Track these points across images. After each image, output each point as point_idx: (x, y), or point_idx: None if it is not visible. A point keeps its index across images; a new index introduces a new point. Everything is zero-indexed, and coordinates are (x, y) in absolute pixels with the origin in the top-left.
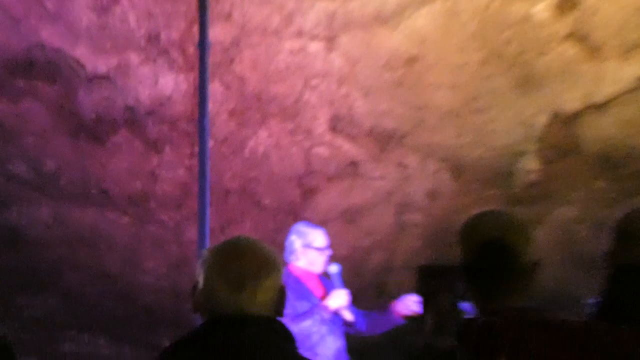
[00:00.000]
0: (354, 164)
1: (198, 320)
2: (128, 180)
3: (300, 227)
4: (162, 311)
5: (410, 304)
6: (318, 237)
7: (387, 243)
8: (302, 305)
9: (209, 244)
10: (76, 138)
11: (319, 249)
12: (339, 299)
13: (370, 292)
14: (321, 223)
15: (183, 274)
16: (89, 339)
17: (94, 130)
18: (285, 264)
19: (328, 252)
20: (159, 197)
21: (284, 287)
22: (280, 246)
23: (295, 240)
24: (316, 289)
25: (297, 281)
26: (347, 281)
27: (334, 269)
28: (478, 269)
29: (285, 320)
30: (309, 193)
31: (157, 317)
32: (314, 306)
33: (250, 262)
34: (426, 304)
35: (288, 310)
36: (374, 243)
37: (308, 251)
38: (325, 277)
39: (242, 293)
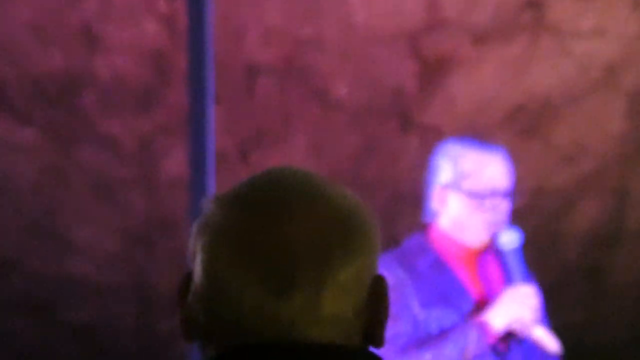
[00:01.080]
0: (534, 5)
1: (195, 355)
2: (30, 44)
3: (454, 147)
4: (111, 336)
5: None
6: (490, 168)
7: (612, 177)
8: (440, 316)
9: (214, 186)
10: None
11: (487, 196)
12: (520, 307)
13: (576, 285)
14: (464, 136)
15: (157, 257)
16: None
17: None
18: (421, 225)
19: (507, 203)
20: (103, 82)
21: (383, 282)
22: (369, 188)
23: (443, 173)
24: (475, 280)
25: (438, 263)
26: (530, 263)
27: (510, 238)
28: None
29: (390, 352)
30: (434, 69)
31: (100, 347)
32: (465, 322)
33: (306, 229)
34: None
35: (400, 327)
36: (584, 177)
37: (463, 199)
38: (494, 255)
39: (291, 299)
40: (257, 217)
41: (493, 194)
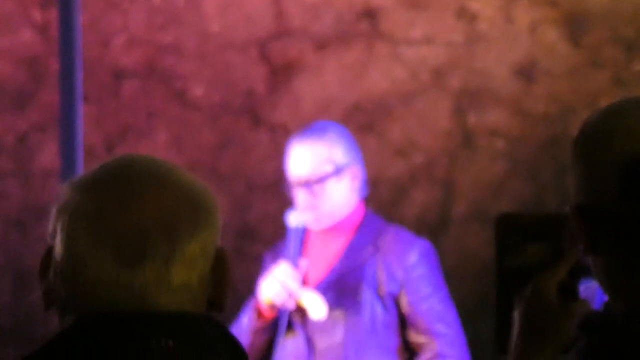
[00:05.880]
0: (369, 15)
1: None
2: None
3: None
4: None
5: None
6: (289, 160)
7: (440, 169)
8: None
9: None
10: None
11: (291, 185)
12: (270, 280)
13: None
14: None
15: (31, 240)
16: None
17: None
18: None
19: (305, 190)
20: None
21: (224, 254)
22: (224, 179)
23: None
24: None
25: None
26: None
27: (295, 219)
28: (620, 218)
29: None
30: (281, 73)
31: None
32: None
33: (156, 207)
34: (513, 286)
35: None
36: (415, 169)
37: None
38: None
39: (143, 269)
40: (110, 198)
41: (294, 183)
